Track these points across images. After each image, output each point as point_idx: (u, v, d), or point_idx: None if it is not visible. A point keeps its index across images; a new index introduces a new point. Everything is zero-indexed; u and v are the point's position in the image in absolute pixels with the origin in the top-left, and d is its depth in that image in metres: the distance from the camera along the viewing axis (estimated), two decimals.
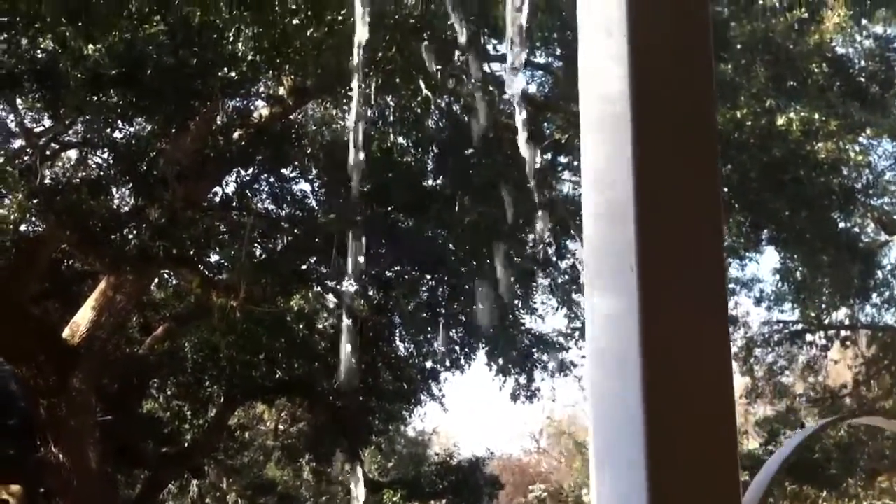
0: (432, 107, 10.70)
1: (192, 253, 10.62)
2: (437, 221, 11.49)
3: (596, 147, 1.38)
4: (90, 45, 8.74)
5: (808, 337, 17.33)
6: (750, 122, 11.08)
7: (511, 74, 1.58)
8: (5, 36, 9.92)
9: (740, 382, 17.55)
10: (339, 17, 9.36)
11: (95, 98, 9.86)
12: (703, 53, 1.40)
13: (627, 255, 1.30)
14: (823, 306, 15.98)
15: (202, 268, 12.30)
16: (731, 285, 14.91)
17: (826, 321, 16.80)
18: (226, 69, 9.85)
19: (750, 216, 11.85)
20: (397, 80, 10.14)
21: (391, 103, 11.09)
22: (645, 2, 1.36)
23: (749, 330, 17.16)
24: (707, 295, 1.35)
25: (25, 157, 11.54)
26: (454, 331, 14.40)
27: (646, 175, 1.32)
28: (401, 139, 11.70)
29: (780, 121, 11.01)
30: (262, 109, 12.28)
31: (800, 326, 17.25)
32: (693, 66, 1.39)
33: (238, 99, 12.29)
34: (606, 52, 1.36)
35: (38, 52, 10.07)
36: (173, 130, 10.42)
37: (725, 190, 11.56)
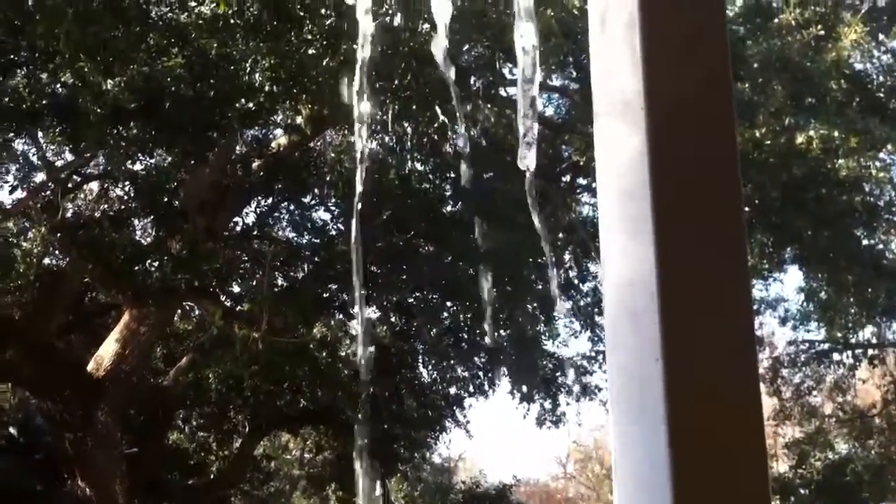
0: (449, 133, 10.71)
1: (213, 284, 10.64)
2: (458, 247, 11.48)
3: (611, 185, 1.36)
4: (109, 80, 8.82)
5: (835, 356, 17.13)
6: (769, 141, 11.02)
7: (524, 148, 1.55)
8: (25, 71, 10.05)
9: (767, 404, 17.36)
10: (354, 47, 9.41)
11: (115, 131, 9.96)
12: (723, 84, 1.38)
13: (648, 284, 1.29)
14: (850, 325, 15.81)
15: (224, 299, 12.35)
16: (756, 305, 14.79)
17: (853, 340, 16.61)
18: (243, 100, 9.90)
19: (772, 236, 11.76)
20: (414, 106, 10.17)
21: (408, 130, 11.12)
22: (662, 77, 1.35)
23: (775, 350, 17.02)
24: (732, 319, 1.32)
25: (48, 191, 11.67)
26: (477, 356, 14.37)
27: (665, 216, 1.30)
28: (419, 165, 11.72)
29: (800, 139, 10.95)
30: (280, 139, 12.36)
31: (826, 346, 17.06)
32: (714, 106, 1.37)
33: (256, 128, 12.39)
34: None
35: (58, 86, 10.20)
36: (192, 162, 10.48)
37: (746, 210, 11.49)
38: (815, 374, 17.89)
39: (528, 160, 1.44)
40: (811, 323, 16.13)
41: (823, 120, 11.49)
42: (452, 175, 11.63)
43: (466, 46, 10.80)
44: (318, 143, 13.39)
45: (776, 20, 11.38)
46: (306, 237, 13.54)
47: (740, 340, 1.32)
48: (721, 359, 1.30)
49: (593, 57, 1.40)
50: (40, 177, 12.33)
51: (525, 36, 1.47)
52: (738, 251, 1.36)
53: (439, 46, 1.51)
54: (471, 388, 14.89)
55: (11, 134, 9.89)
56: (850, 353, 17.00)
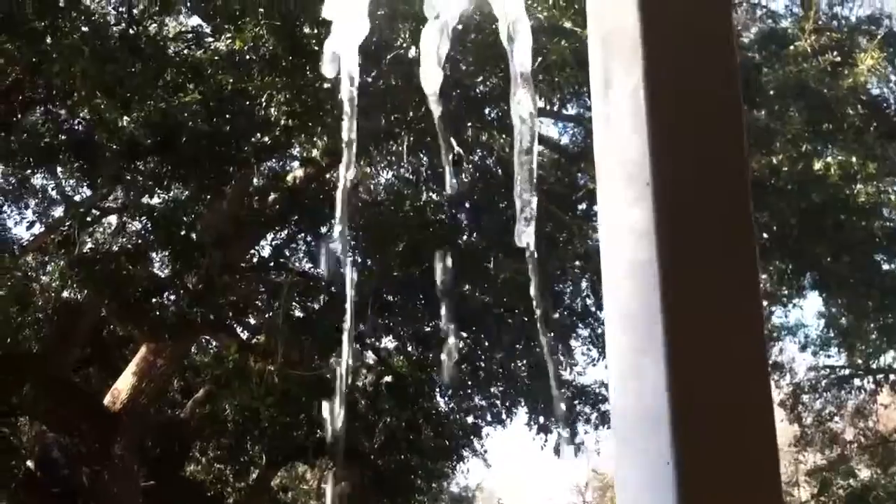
0: (465, 164, 10.71)
1: (229, 317, 10.64)
2: (473, 277, 11.45)
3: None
4: (126, 117, 8.86)
5: (857, 381, 16.97)
6: (787, 168, 10.97)
7: (522, 224, 1.48)
8: (42, 109, 10.13)
9: (788, 430, 17.20)
10: (370, 80, 9.44)
11: (132, 167, 10.00)
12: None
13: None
14: (870, 350, 15.66)
15: (241, 330, 12.34)
16: (775, 331, 14.69)
17: (874, 365, 16.45)
18: (259, 134, 9.94)
19: (791, 262, 11.68)
20: (428, 138, 10.17)
21: (423, 161, 11.12)
22: (667, 145, 1.32)
23: (795, 376, 16.86)
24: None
25: (66, 225, 11.72)
26: (494, 386, 14.29)
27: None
28: (433, 196, 11.72)
29: (818, 165, 10.90)
30: (296, 171, 12.37)
31: (847, 371, 16.90)
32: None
33: (273, 160, 12.42)
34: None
35: (76, 122, 10.26)
36: (209, 196, 10.51)
37: (765, 236, 11.43)
38: (836, 399, 17.73)
39: (526, 236, 1.41)
40: (832, 348, 16.00)
41: (841, 146, 11.45)
42: (468, 205, 11.62)
43: (480, 77, 10.81)
44: (334, 175, 13.41)
45: (792, 47, 11.34)
46: (323, 268, 13.54)
47: (754, 398, 1.30)
48: (735, 399, 1.27)
49: (596, 123, 1.38)
50: (59, 211, 12.42)
51: (522, 103, 1.44)
52: (755, 328, 1.33)
53: (428, 79, 1.48)
54: (488, 418, 14.81)
55: (29, 171, 9.92)
56: (871, 378, 16.84)
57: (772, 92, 11.09)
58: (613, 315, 1.34)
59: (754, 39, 12.27)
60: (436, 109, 1.52)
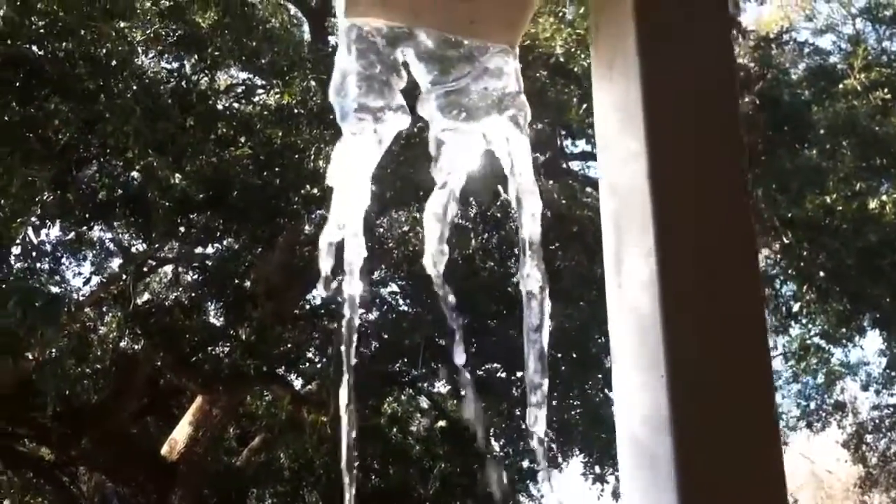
0: (512, 210, 10.70)
1: (282, 369, 10.71)
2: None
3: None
4: (177, 174, 9.02)
5: None
6: (840, 207, 10.79)
7: (534, 409, 1.36)
8: (97, 164, 10.35)
9: (852, 471, 16.77)
10: (416, 131, 9.52)
11: (185, 220, 10.16)
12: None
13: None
14: None
15: (295, 377, 12.41)
16: (836, 371, 14.38)
17: None
18: (308, 186, 10.04)
19: (849, 303, 11.45)
20: (476, 186, 10.19)
21: (472, 209, 11.15)
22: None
23: (858, 416, 16.44)
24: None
25: (123, 278, 11.92)
26: (549, 429, 14.18)
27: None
28: (482, 243, 11.73)
29: (873, 204, 10.70)
30: None
31: None
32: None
33: (324, 207, 12.53)
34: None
35: (130, 178, 10.47)
36: (260, 248, 10.63)
37: (821, 274, 11.24)
38: None
39: (538, 426, 1.36)
40: (895, 387, 15.60)
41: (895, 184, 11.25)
42: (517, 251, 11.59)
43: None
44: (385, 220, 13.50)
45: (841, 84, 11.20)
46: (374, 314, 13.59)
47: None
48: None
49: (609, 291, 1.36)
50: (115, 262, 12.63)
51: (531, 276, 1.40)
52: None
53: (433, 260, 1.44)
54: (544, 462, 14.66)
55: (85, 227, 10.13)
56: None
57: (822, 131, 10.95)
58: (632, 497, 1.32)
59: (802, 77, 12.15)
60: (443, 292, 1.49)
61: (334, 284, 1.43)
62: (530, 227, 1.45)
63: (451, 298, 1.48)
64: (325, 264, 1.44)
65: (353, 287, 1.38)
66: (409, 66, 1.40)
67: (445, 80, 1.38)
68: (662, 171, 1.27)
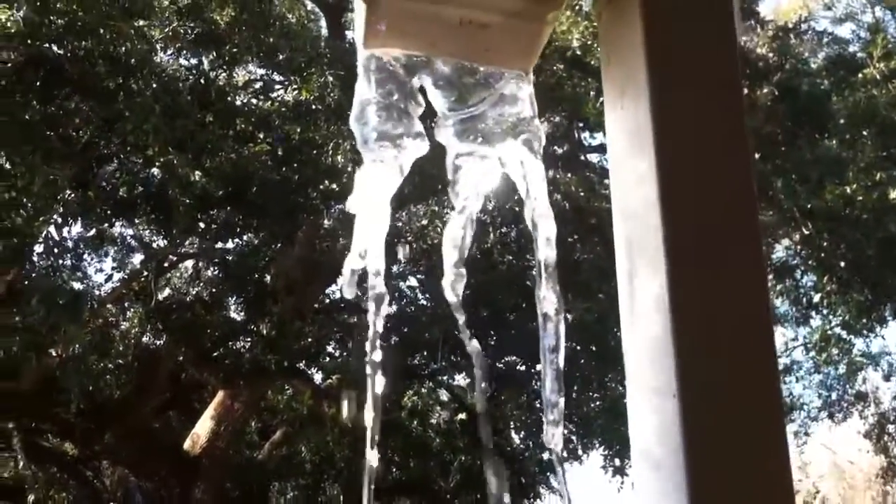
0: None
1: (302, 363, 10.77)
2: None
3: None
4: (197, 171, 9.07)
5: None
6: (861, 197, 10.71)
7: (551, 427, 1.38)
8: (117, 162, 10.41)
9: (874, 462, 16.69)
10: (432, 125, 9.53)
11: (205, 216, 10.22)
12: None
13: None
14: None
15: (315, 372, 12.47)
16: (858, 362, 14.30)
17: None
18: (327, 181, 10.07)
19: (870, 293, 11.38)
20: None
21: (491, 203, 11.14)
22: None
23: (880, 406, 16.36)
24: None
25: (145, 273, 12.00)
26: (569, 422, 14.17)
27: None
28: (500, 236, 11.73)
29: (893, 194, 10.62)
30: None
31: None
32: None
33: (342, 202, 12.58)
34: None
35: (150, 175, 10.53)
36: (279, 243, 10.68)
37: (842, 265, 11.18)
38: None
39: (555, 440, 1.39)
40: None
41: None
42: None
43: (545, 116, 10.84)
44: (404, 214, 13.52)
45: (860, 74, 11.12)
46: (394, 307, 13.63)
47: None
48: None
49: (622, 311, 1.37)
50: (137, 258, 12.72)
51: (547, 298, 1.42)
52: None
53: (451, 286, 1.46)
54: (564, 453, 14.68)
55: (106, 224, 10.20)
56: None
57: (842, 120, 10.88)
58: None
59: (822, 66, 12.06)
60: (460, 316, 1.51)
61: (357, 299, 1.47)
62: (545, 251, 1.46)
63: (463, 318, 1.51)
64: (349, 291, 1.47)
65: (378, 321, 1.40)
66: (427, 92, 1.42)
67: (462, 107, 1.40)
68: (672, 195, 1.29)
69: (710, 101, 1.34)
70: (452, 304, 1.50)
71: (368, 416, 1.36)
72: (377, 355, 1.37)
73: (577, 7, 9.57)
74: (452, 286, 1.50)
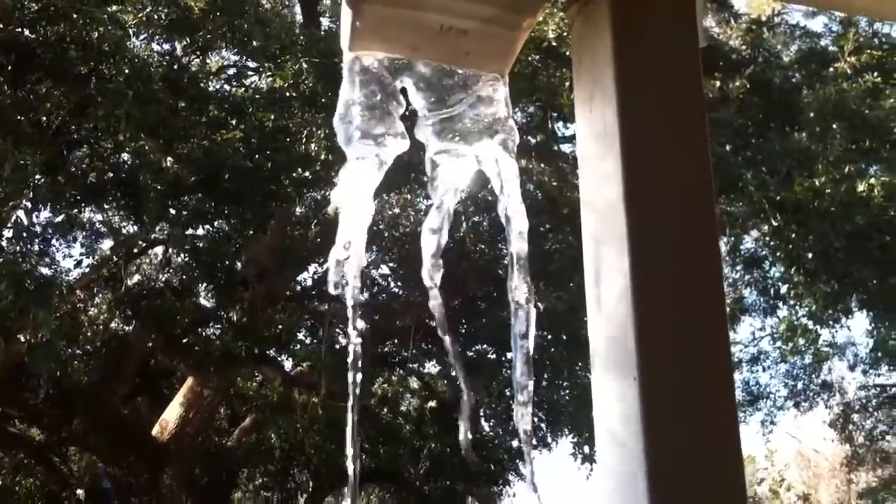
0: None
1: (273, 350, 10.77)
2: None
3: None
4: (169, 158, 9.03)
5: None
6: (829, 190, 10.86)
7: (521, 407, 1.44)
8: (87, 148, 10.35)
9: (839, 451, 16.96)
10: (407, 114, 9.54)
11: (176, 203, 10.18)
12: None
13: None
14: None
15: (285, 359, 12.48)
16: (824, 352, 14.52)
17: None
18: (300, 169, 10.06)
19: (837, 284, 11.55)
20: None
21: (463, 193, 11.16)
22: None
23: (845, 395, 16.61)
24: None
25: (115, 258, 11.95)
26: (539, 410, 14.28)
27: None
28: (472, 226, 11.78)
29: (861, 187, 10.77)
30: None
31: None
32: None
33: (315, 190, 12.57)
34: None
35: (121, 161, 10.48)
36: (251, 230, 10.66)
37: (809, 256, 11.33)
38: (888, 418, 17.42)
39: (524, 420, 1.46)
40: (882, 367, 15.75)
41: (884, 166, 11.32)
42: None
43: (519, 106, 10.88)
44: (377, 202, 13.53)
45: (832, 68, 11.25)
46: (365, 295, 13.64)
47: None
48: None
49: (589, 303, 1.43)
50: (106, 244, 12.66)
51: (519, 288, 1.49)
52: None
53: (430, 274, 1.52)
54: (534, 441, 14.78)
55: (76, 210, 10.14)
56: None
57: (812, 114, 11.02)
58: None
59: (794, 59, 12.19)
60: (437, 306, 1.57)
61: (340, 290, 1.53)
62: (518, 243, 1.53)
63: (439, 306, 1.57)
64: (334, 277, 1.53)
65: (354, 296, 1.46)
66: (408, 93, 1.48)
67: (441, 107, 1.46)
68: (636, 193, 1.37)
69: (675, 105, 1.42)
70: (430, 290, 1.56)
71: (349, 429, 1.44)
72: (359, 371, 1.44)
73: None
74: (430, 274, 1.56)
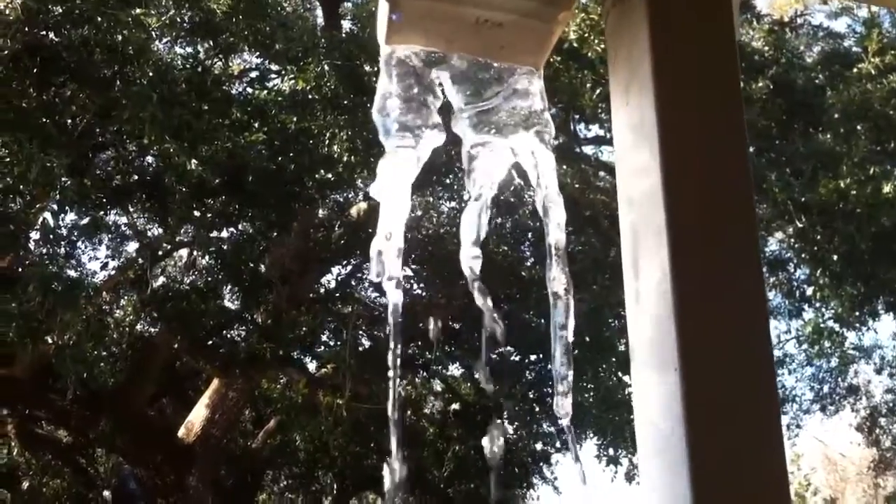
0: (526, 195, 10.73)
1: (297, 352, 10.81)
2: (538, 307, 11.46)
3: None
4: (193, 160, 9.09)
5: None
6: (855, 191, 10.77)
7: (561, 397, 1.50)
8: (112, 151, 10.43)
9: (866, 454, 16.81)
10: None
11: (200, 205, 10.25)
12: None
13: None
14: None
15: (309, 361, 12.51)
16: (849, 355, 14.40)
17: None
18: (323, 171, 10.10)
19: (863, 287, 11.45)
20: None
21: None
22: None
23: (872, 399, 16.46)
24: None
25: (140, 260, 12.03)
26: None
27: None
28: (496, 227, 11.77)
29: (887, 188, 10.68)
30: (360, 203, 12.55)
31: None
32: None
33: (338, 192, 12.61)
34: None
35: (146, 163, 10.55)
36: (275, 232, 10.71)
37: (834, 258, 11.25)
38: None
39: (564, 408, 1.47)
40: None
41: None
42: (530, 236, 11.65)
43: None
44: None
45: (855, 69, 11.17)
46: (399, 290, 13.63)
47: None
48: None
49: (628, 298, 1.43)
50: (132, 246, 12.75)
51: (557, 279, 1.49)
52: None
53: (469, 263, 1.53)
54: (557, 444, 14.76)
55: (101, 212, 10.22)
56: None
57: (836, 115, 10.94)
58: None
59: (817, 60, 12.11)
60: (479, 296, 1.58)
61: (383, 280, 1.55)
62: (556, 234, 1.53)
63: (489, 301, 1.57)
64: (376, 268, 1.54)
65: (394, 295, 1.47)
66: (444, 87, 1.49)
67: (477, 100, 1.47)
68: (674, 185, 1.36)
69: (711, 97, 1.41)
70: (470, 279, 1.58)
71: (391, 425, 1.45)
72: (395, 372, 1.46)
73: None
74: (469, 264, 1.57)
